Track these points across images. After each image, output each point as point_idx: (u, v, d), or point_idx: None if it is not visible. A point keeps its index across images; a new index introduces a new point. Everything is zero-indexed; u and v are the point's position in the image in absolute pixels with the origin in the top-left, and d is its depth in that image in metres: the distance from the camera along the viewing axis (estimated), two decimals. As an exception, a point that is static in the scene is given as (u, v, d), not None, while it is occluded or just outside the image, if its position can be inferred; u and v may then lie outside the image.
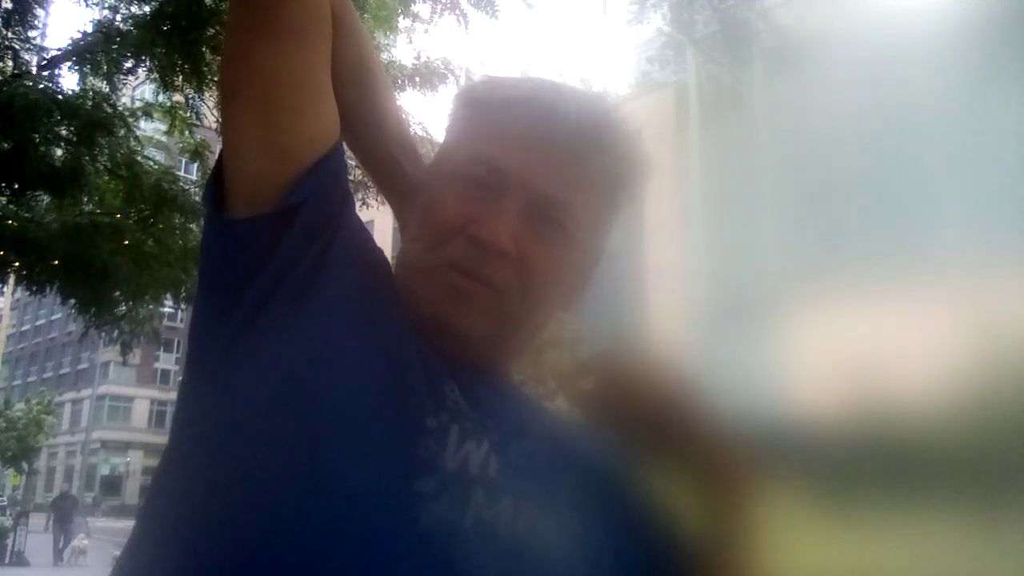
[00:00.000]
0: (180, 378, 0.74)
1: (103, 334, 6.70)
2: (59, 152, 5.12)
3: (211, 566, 0.60)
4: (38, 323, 50.99)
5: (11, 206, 5.46)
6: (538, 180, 0.71)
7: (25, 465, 35.00)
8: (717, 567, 0.69)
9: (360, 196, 5.26)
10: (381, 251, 0.77)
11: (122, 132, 5.46)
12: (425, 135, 5.88)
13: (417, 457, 0.63)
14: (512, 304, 0.71)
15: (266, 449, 0.63)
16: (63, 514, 15.30)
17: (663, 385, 0.73)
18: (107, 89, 5.19)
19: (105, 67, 4.99)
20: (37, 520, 20.20)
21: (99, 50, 4.95)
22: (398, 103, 0.85)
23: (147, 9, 5.06)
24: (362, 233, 0.75)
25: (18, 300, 45.71)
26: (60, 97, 4.83)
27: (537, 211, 0.71)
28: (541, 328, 0.77)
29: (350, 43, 0.78)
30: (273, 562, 0.59)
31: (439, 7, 5.33)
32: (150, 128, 7.13)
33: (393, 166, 0.83)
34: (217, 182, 0.72)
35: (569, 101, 0.72)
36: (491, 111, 0.74)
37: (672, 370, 0.75)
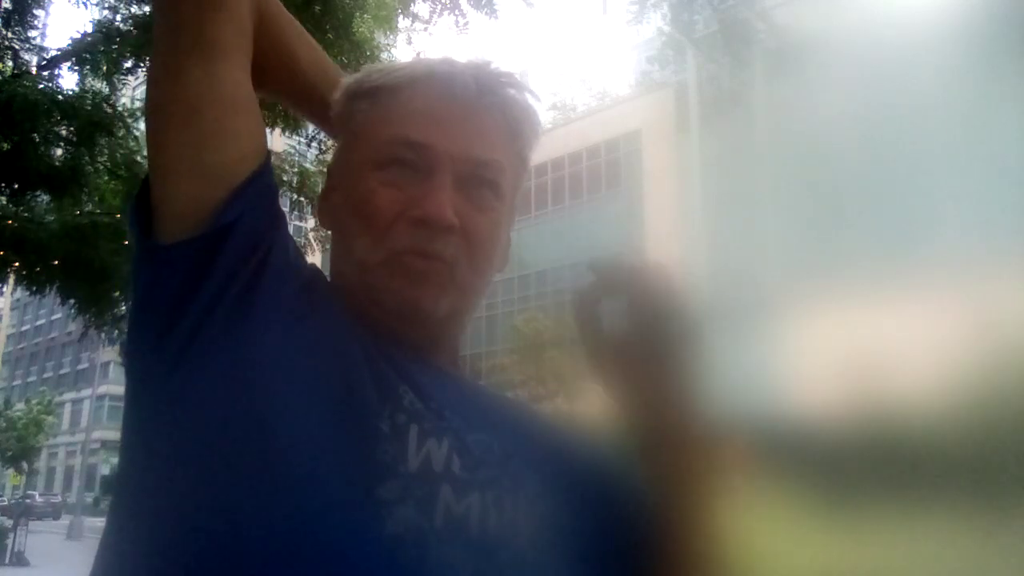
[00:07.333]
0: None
1: (103, 334, 6.70)
2: (59, 152, 5.12)
3: None
4: (38, 323, 50.98)
5: (11, 206, 5.46)
6: (464, 147, 0.72)
7: (25, 465, 34.99)
8: (687, 551, 0.69)
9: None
10: (315, 267, 0.77)
11: (122, 132, 5.46)
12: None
13: (377, 463, 0.63)
14: (462, 274, 0.72)
15: (222, 474, 0.62)
16: None
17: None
18: (107, 89, 5.20)
19: (105, 67, 5.00)
20: (37, 521, 20.18)
21: (99, 50, 4.95)
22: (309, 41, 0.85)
23: (147, 9, 5.06)
24: (295, 251, 0.75)
25: (18, 300, 45.68)
26: (60, 97, 4.83)
27: (470, 178, 0.73)
28: (484, 293, 0.78)
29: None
30: None
31: (439, 7, 5.32)
32: (150, 128, 7.12)
33: (314, 94, 0.84)
34: (143, 206, 0.72)
35: (464, 69, 0.75)
36: (393, 95, 0.75)
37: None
